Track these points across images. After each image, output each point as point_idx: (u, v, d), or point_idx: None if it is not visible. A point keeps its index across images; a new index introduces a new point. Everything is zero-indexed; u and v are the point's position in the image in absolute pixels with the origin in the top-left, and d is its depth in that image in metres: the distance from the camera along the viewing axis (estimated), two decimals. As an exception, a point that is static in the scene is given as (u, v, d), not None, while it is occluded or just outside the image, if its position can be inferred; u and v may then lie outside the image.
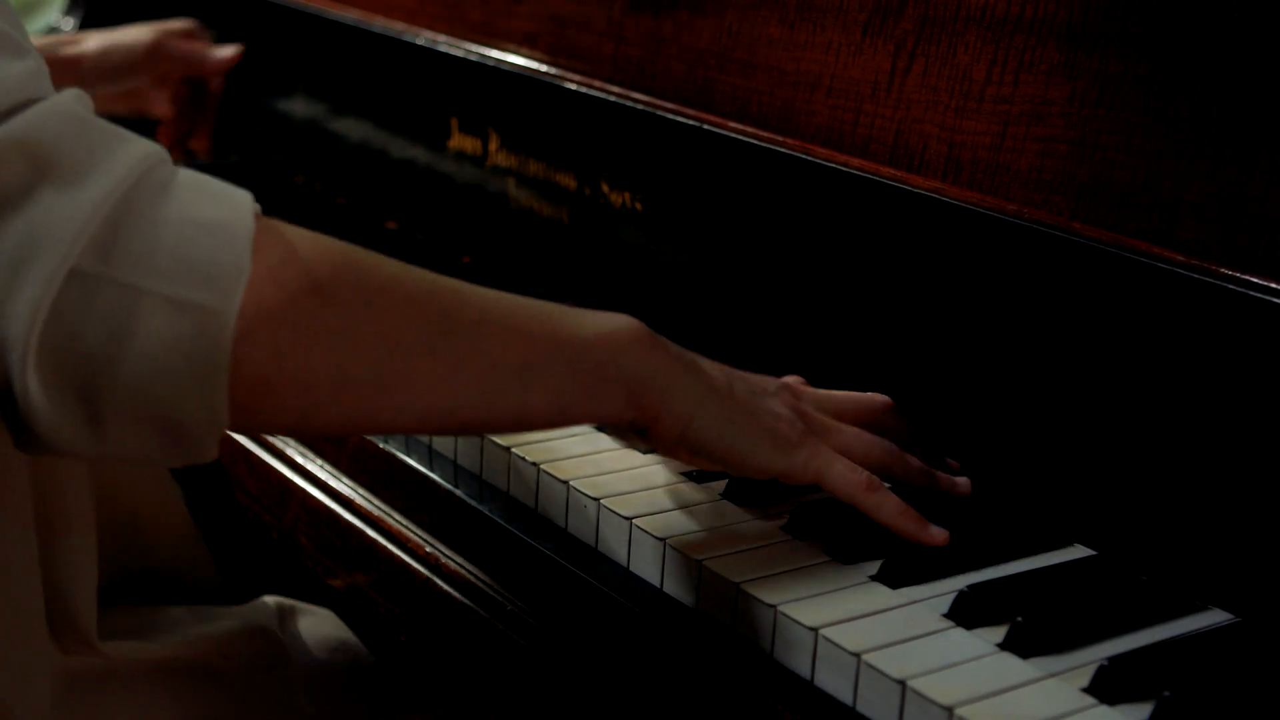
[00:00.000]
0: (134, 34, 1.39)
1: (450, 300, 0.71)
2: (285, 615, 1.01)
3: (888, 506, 0.79)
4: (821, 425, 0.81)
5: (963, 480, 0.86)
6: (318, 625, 1.01)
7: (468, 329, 0.71)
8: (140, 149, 0.66)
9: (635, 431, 0.78)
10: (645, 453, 0.90)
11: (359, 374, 0.67)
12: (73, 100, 0.66)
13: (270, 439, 1.02)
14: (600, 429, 0.91)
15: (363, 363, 0.67)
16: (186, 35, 1.44)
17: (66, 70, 1.32)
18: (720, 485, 0.86)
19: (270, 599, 1.02)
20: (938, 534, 0.79)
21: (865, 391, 0.89)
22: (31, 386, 0.62)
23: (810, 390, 0.86)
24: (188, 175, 0.67)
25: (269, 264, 0.65)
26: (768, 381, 0.83)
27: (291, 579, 1.04)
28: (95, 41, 1.35)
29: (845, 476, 0.79)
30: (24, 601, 0.76)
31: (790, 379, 0.88)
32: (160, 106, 1.48)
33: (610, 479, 0.86)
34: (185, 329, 0.63)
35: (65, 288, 0.62)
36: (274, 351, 0.65)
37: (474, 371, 0.71)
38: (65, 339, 0.62)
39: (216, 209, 0.65)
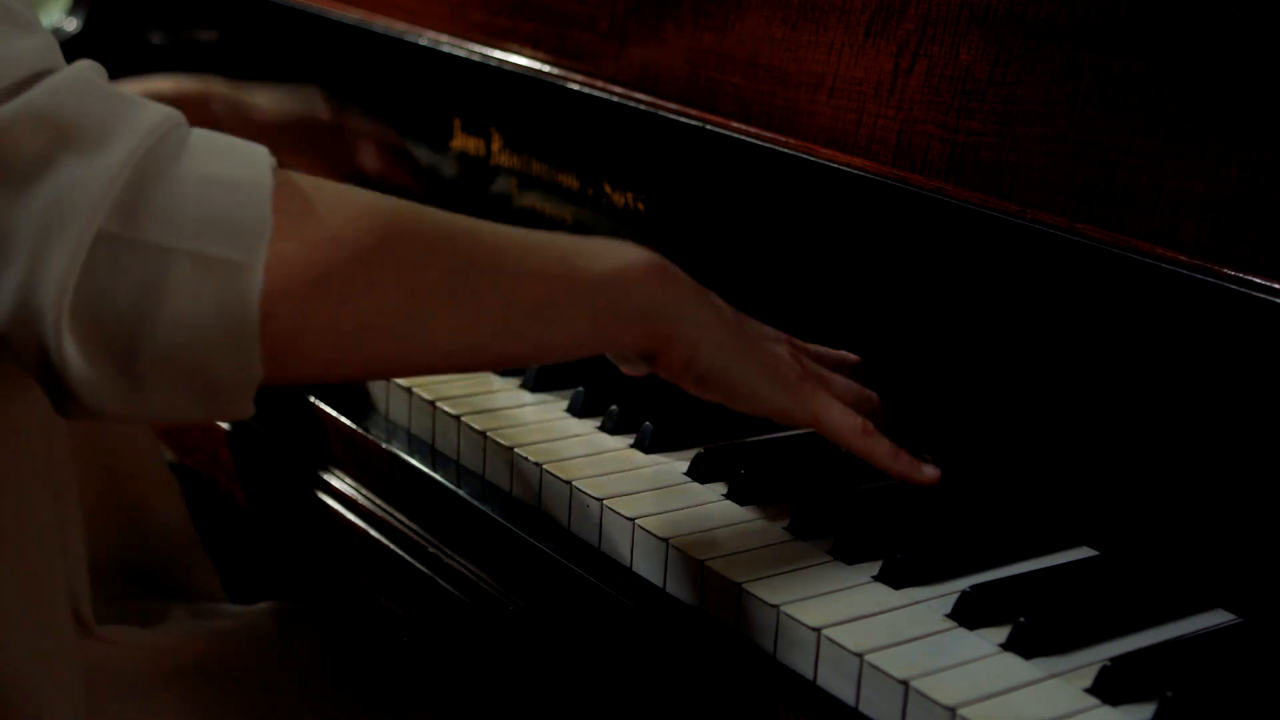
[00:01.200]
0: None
1: (470, 245, 0.73)
2: (286, 619, 1.01)
3: (881, 449, 0.82)
4: (818, 373, 0.84)
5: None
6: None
7: (486, 272, 0.73)
8: (157, 113, 0.67)
9: (644, 359, 0.79)
10: (647, 453, 0.90)
11: (383, 321, 0.69)
12: (87, 69, 0.67)
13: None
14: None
15: (386, 310, 0.69)
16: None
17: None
18: (722, 486, 0.86)
19: (272, 603, 1.02)
20: (930, 472, 0.83)
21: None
22: (68, 351, 0.63)
23: (804, 344, 0.89)
24: (205, 136, 0.68)
25: (290, 218, 0.66)
26: (770, 329, 0.86)
27: (294, 584, 1.04)
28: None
29: (842, 420, 0.81)
30: (50, 586, 0.78)
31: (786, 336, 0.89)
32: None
33: (613, 479, 0.86)
34: (214, 285, 0.64)
35: (93, 252, 0.63)
36: (300, 304, 0.66)
37: (493, 313, 0.73)
38: (97, 302, 0.63)
39: (236, 167, 0.67)
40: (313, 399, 1.00)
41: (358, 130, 1.30)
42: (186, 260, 0.64)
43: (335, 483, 0.97)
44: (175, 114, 0.68)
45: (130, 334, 0.63)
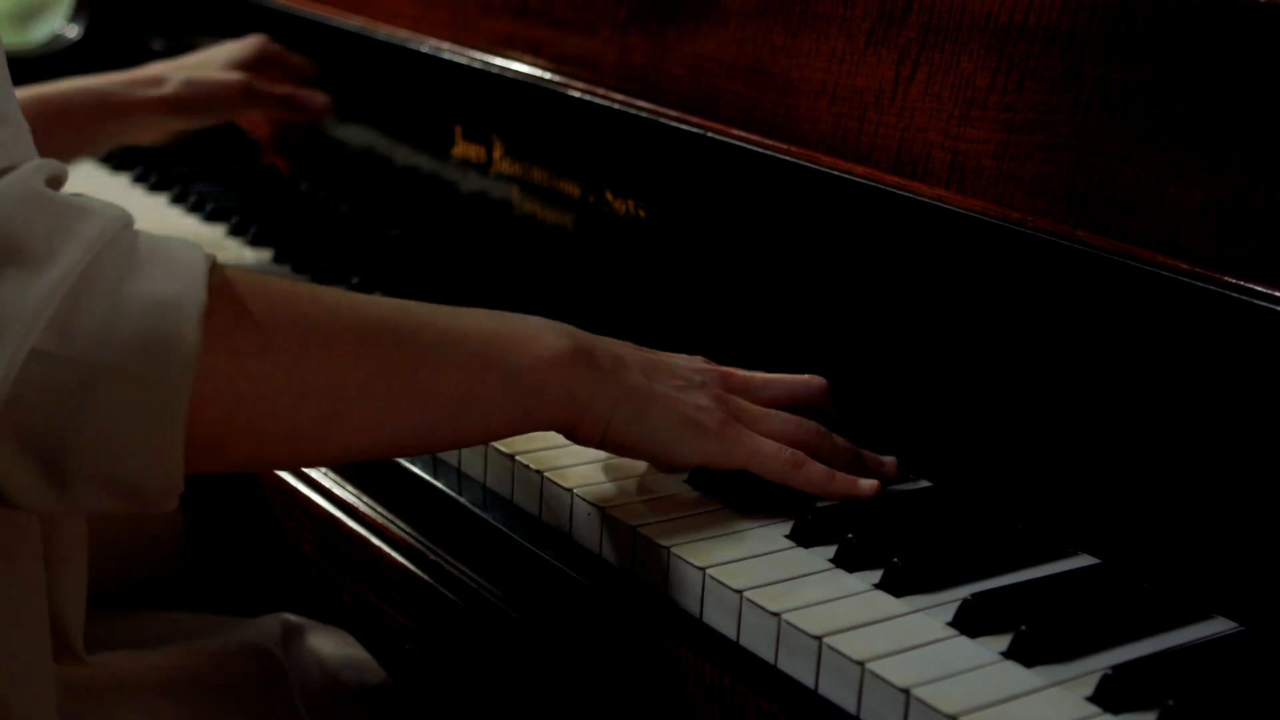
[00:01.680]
0: (221, 77, 1.33)
1: (393, 340, 0.75)
2: (291, 633, 1.00)
3: (815, 477, 0.84)
4: (744, 412, 0.85)
5: (889, 460, 0.89)
6: (325, 642, 1.01)
7: (409, 369, 0.75)
8: (99, 223, 0.67)
9: (560, 433, 0.82)
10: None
11: (306, 424, 0.72)
12: (32, 175, 0.68)
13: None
14: None
15: (310, 413, 0.72)
16: (268, 59, 1.39)
17: (148, 110, 1.30)
18: (721, 499, 0.86)
19: (277, 616, 1.02)
20: (867, 486, 0.84)
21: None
22: (1, 453, 0.65)
23: (740, 374, 0.90)
24: (146, 243, 0.69)
25: (221, 330, 0.68)
26: (698, 372, 0.86)
27: (302, 597, 1.04)
28: (177, 84, 1.31)
29: (772, 456, 0.83)
30: (30, 619, 0.78)
31: (724, 368, 0.90)
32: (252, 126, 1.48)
33: (609, 486, 0.86)
34: (143, 403, 0.66)
35: (26, 366, 0.64)
36: (226, 414, 0.69)
37: (412, 411, 0.76)
38: (28, 414, 0.64)
39: (171, 283, 0.67)
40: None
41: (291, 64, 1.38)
42: (117, 379, 0.65)
43: (337, 490, 0.97)
44: (122, 217, 0.69)
45: (58, 444, 0.65)
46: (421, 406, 0.76)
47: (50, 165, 0.69)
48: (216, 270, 0.70)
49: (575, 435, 0.81)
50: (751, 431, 0.83)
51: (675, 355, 0.87)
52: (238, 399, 0.69)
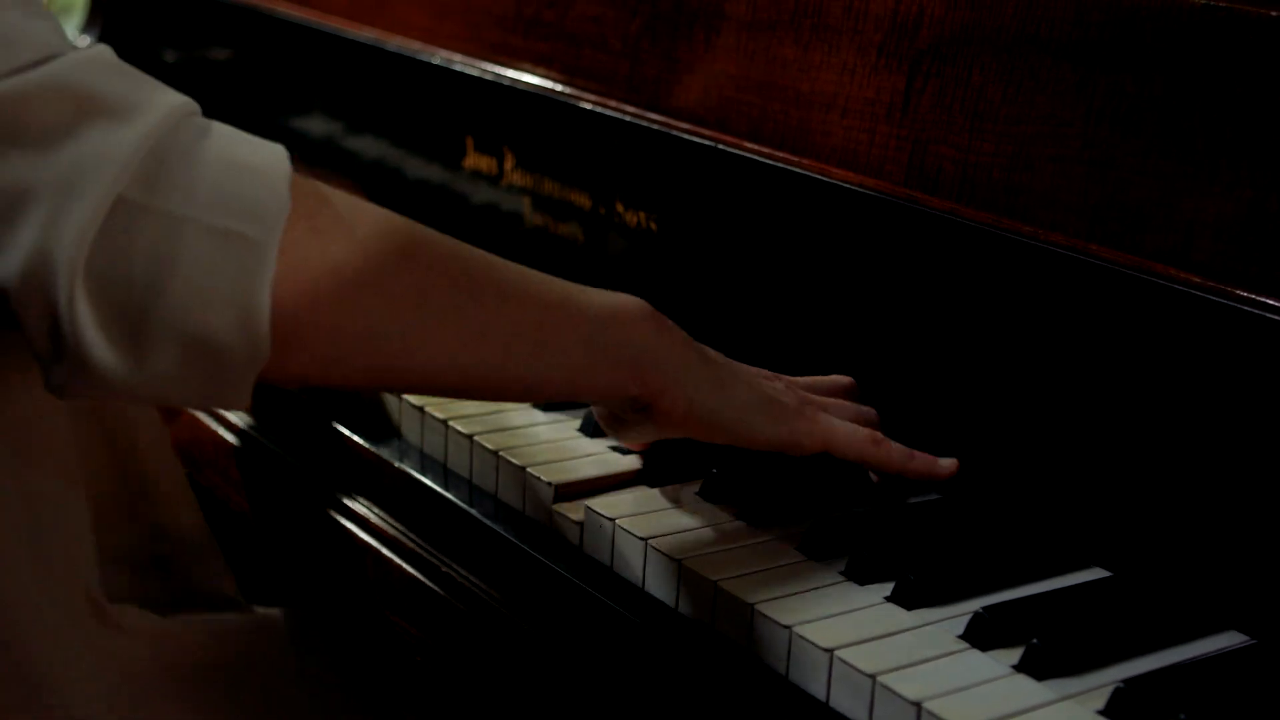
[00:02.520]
0: None
1: (477, 265, 0.75)
2: (297, 623, 1.01)
3: (896, 455, 0.83)
4: (814, 398, 0.85)
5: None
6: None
7: (492, 294, 0.74)
8: (178, 96, 0.68)
9: (636, 410, 0.80)
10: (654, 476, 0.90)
11: (387, 329, 0.70)
12: (105, 50, 0.69)
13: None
14: (583, 430, 0.94)
15: (391, 318, 0.70)
16: None
17: None
18: (732, 509, 0.86)
19: (283, 609, 1.02)
20: (947, 464, 0.85)
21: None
22: (79, 310, 0.64)
23: (794, 379, 0.90)
24: (225, 127, 0.69)
25: (306, 209, 0.67)
26: (760, 370, 0.87)
27: (305, 592, 1.04)
28: None
29: (851, 435, 0.83)
30: (67, 570, 0.78)
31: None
32: None
33: (616, 497, 0.86)
34: (228, 258, 0.65)
35: (111, 215, 0.63)
36: (309, 296, 0.67)
37: (494, 335, 0.74)
38: (111, 264, 0.64)
39: (255, 154, 0.68)
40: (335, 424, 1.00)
41: None
42: (203, 232, 0.64)
43: (346, 500, 0.97)
44: (192, 103, 0.69)
45: (142, 299, 0.64)
46: (506, 338, 0.74)
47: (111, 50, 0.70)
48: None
49: (656, 407, 0.79)
50: (828, 415, 0.83)
51: None
52: (320, 281, 0.67)
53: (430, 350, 0.72)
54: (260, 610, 1.01)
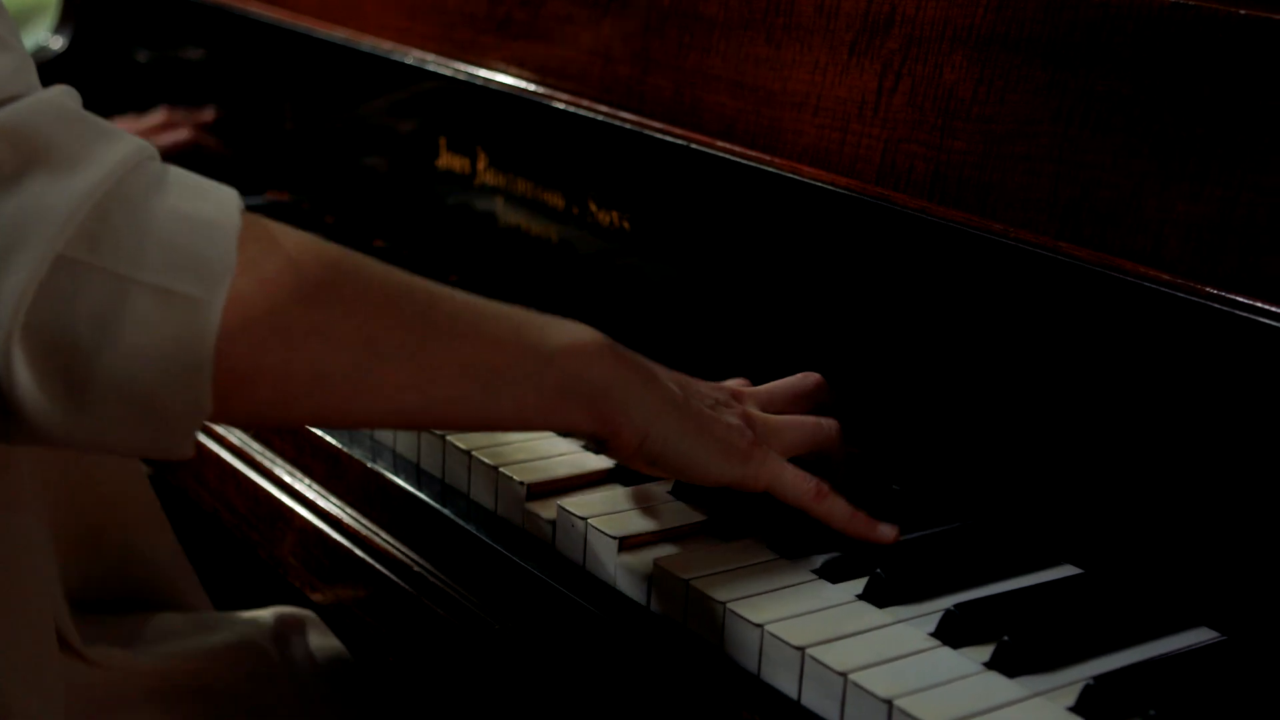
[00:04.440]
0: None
1: (427, 304, 0.73)
2: (283, 628, 1.00)
3: (837, 512, 0.82)
4: (767, 429, 0.84)
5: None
6: (314, 638, 1.01)
7: (443, 333, 0.73)
8: (131, 144, 0.67)
9: (595, 442, 0.80)
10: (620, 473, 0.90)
11: (336, 373, 0.69)
12: (63, 94, 0.67)
13: (259, 460, 1.02)
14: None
15: (340, 362, 0.69)
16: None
17: None
18: (702, 509, 0.86)
19: (269, 611, 1.02)
20: (887, 531, 0.82)
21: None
22: (17, 367, 0.63)
23: (751, 390, 0.89)
24: (177, 172, 0.68)
25: (252, 259, 0.66)
26: (718, 391, 0.85)
27: (289, 589, 1.04)
28: None
29: (795, 485, 0.81)
30: (36, 604, 0.77)
31: (733, 382, 0.90)
32: None
33: (589, 496, 0.86)
34: (172, 319, 0.64)
35: (52, 273, 0.62)
36: (256, 347, 0.66)
37: (444, 374, 0.73)
38: (52, 323, 0.63)
39: (204, 205, 0.66)
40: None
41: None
42: (147, 292, 0.63)
43: (321, 502, 0.96)
44: (148, 147, 0.68)
45: (84, 359, 0.63)
46: (455, 376, 0.73)
47: (76, 93, 0.68)
48: (245, 210, 0.68)
49: (611, 443, 0.78)
50: (778, 456, 0.82)
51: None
52: (268, 332, 0.66)
53: (378, 392, 0.71)
54: (241, 618, 1.01)
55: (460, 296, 0.75)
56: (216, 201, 0.67)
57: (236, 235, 0.66)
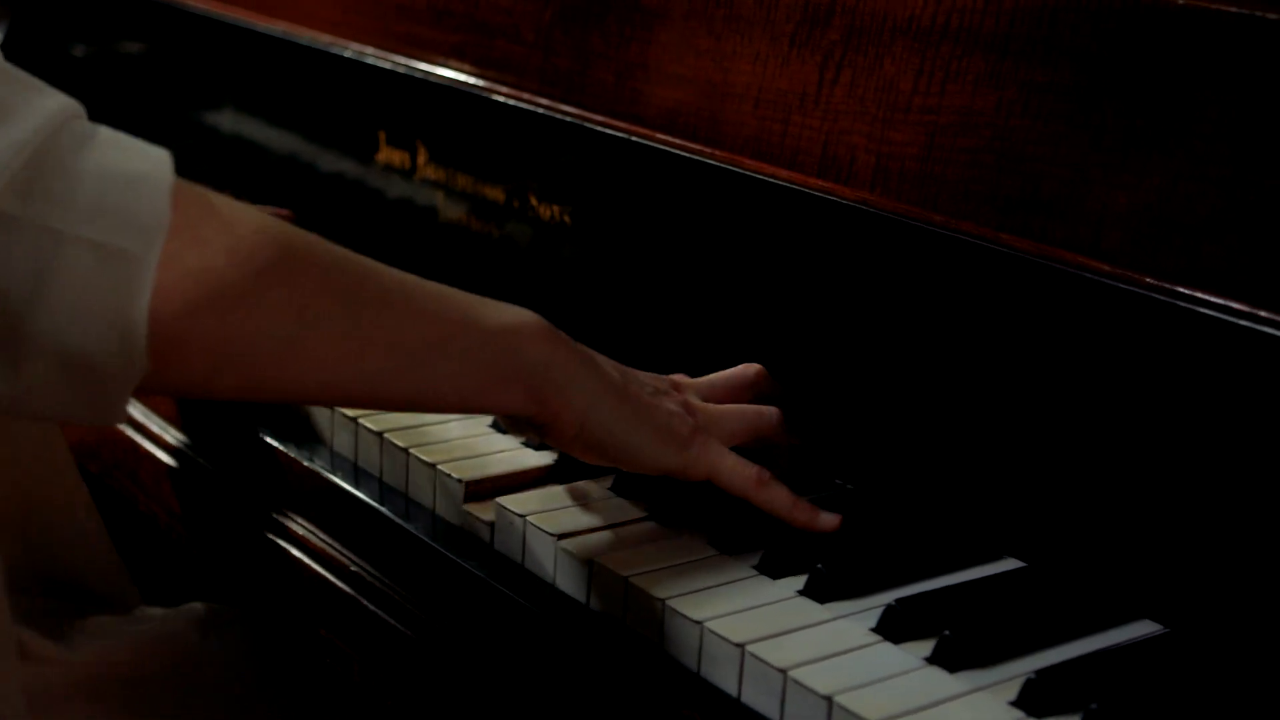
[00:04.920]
0: None
1: (362, 276, 0.73)
2: (209, 621, 0.99)
3: (779, 499, 0.81)
4: (707, 417, 0.83)
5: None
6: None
7: (377, 306, 0.72)
8: (60, 100, 0.66)
9: (532, 427, 0.79)
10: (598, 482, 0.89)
11: (267, 342, 0.68)
12: None
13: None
14: (495, 426, 0.92)
15: (272, 332, 0.68)
16: None
17: None
18: (643, 505, 0.85)
19: (198, 604, 1.00)
20: (829, 520, 0.81)
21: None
22: None
23: (691, 381, 0.88)
24: (106, 131, 0.67)
25: (188, 220, 0.65)
26: (658, 380, 0.85)
27: (219, 586, 1.03)
28: None
29: (736, 473, 0.81)
30: None
31: (674, 377, 0.89)
32: None
33: (528, 494, 0.85)
34: (106, 273, 0.63)
35: None
36: (188, 309, 0.65)
37: (379, 348, 0.72)
38: None
39: (137, 162, 0.66)
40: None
41: None
42: (80, 245, 0.63)
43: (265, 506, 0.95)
44: (76, 105, 0.67)
45: (16, 315, 0.62)
46: (389, 350, 0.72)
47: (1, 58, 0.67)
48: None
49: (550, 427, 0.77)
50: (719, 444, 0.81)
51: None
52: (200, 294, 0.65)
53: (311, 362, 0.70)
54: (167, 611, 0.99)
55: (398, 273, 0.75)
56: (150, 159, 0.66)
57: (169, 191, 0.65)
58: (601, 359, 0.80)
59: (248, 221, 0.68)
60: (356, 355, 0.71)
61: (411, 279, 0.75)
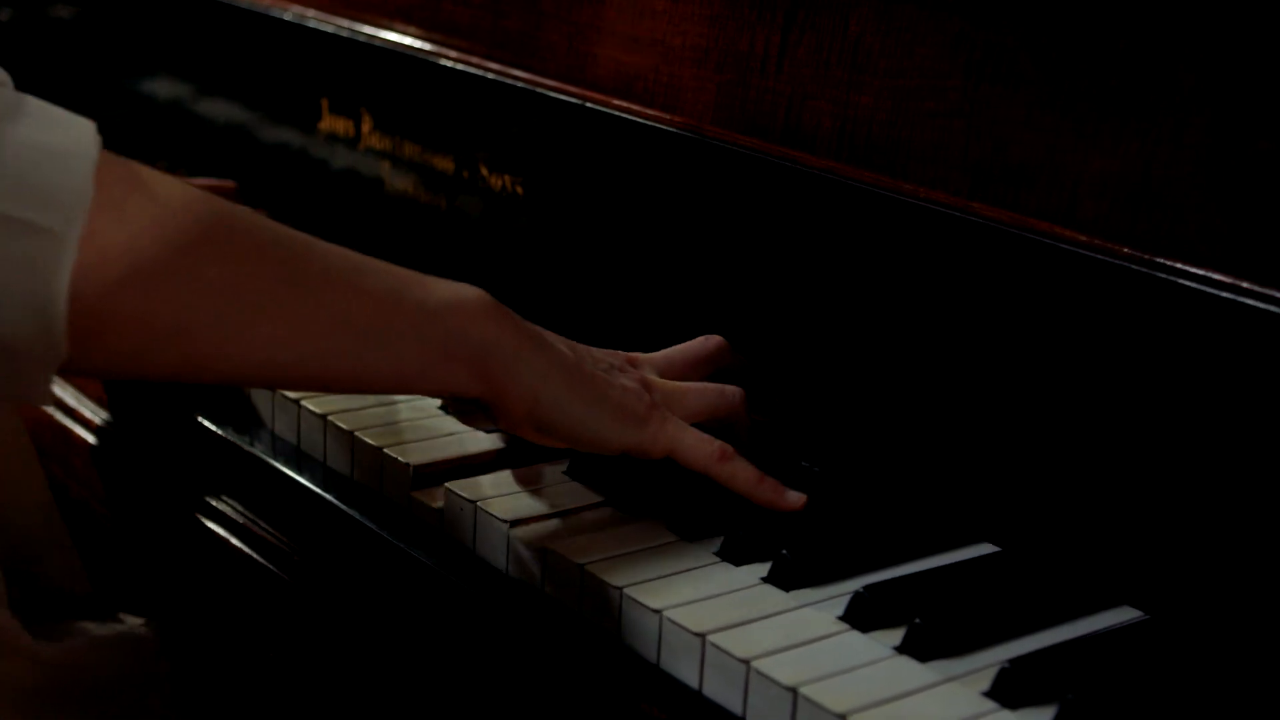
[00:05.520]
0: None
1: (300, 253, 0.71)
2: (148, 631, 0.96)
3: (742, 475, 0.79)
4: (666, 393, 0.81)
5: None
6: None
7: (315, 283, 0.70)
8: None
9: (480, 409, 0.77)
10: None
11: (198, 320, 0.67)
12: None
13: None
14: (445, 409, 0.89)
15: (202, 309, 0.66)
16: None
17: None
18: (600, 493, 0.82)
19: (133, 619, 0.97)
20: (794, 499, 0.79)
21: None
22: None
23: (648, 356, 0.86)
24: (33, 101, 0.65)
25: (112, 196, 0.64)
26: (612, 356, 0.82)
27: (156, 592, 0.99)
28: None
29: (697, 448, 0.78)
30: None
31: (627, 353, 0.86)
32: None
33: (479, 478, 0.82)
34: (24, 250, 0.62)
35: None
36: (112, 287, 0.63)
37: (317, 327, 0.70)
38: None
39: (60, 135, 0.64)
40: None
41: None
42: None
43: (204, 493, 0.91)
44: (1, 74, 0.65)
45: None
46: (329, 330, 0.70)
47: None
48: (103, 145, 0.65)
49: (498, 407, 0.75)
50: (678, 419, 0.79)
51: None
52: (125, 271, 0.63)
53: (245, 342, 0.68)
54: (123, 621, 0.96)
55: (338, 250, 0.72)
56: (73, 132, 0.65)
57: (93, 166, 0.63)
58: (552, 336, 0.78)
59: (176, 196, 0.66)
60: (296, 336, 0.69)
61: (353, 256, 0.73)
